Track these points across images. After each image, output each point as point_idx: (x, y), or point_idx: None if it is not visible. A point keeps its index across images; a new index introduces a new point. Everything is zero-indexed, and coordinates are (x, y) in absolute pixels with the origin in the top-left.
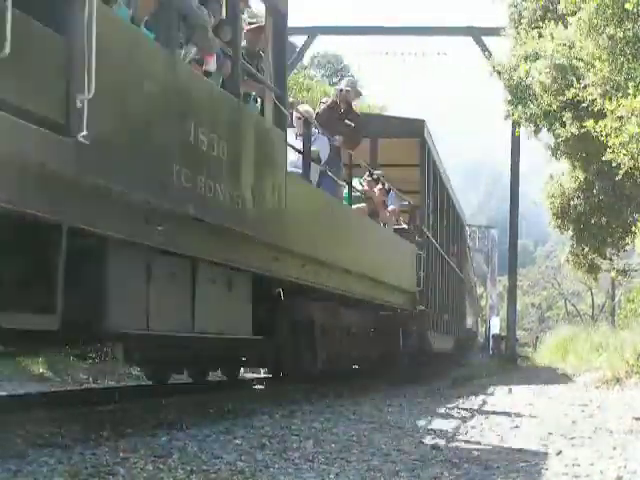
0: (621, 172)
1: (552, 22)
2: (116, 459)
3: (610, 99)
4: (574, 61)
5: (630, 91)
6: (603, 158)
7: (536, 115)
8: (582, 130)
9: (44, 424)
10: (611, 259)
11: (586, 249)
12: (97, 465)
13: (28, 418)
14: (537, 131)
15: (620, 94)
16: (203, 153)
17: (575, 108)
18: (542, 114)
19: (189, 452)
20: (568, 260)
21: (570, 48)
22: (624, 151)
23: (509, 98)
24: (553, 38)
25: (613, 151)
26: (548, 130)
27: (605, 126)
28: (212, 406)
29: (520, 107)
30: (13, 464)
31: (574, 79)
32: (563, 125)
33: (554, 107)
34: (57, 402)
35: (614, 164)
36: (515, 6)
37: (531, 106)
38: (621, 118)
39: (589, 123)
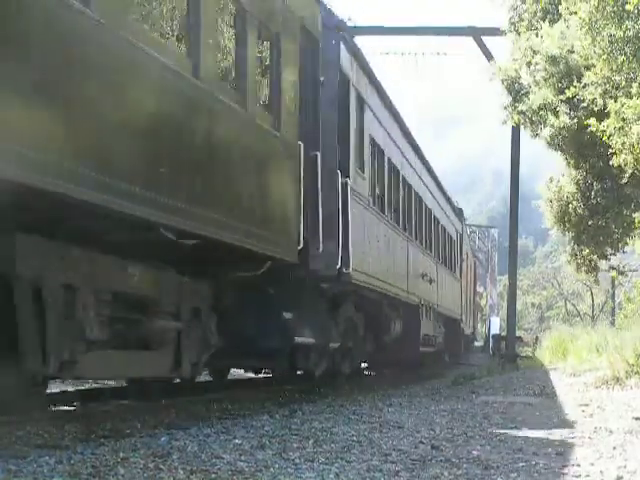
0: (626, 175)
1: (548, 22)
2: (116, 459)
3: (614, 99)
4: (567, 53)
5: (633, 91)
6: (607, 162)
7: (532, 110)
8: (575, 121)
9: (44, 424)
10: (609, 259)
11: (586, 250)
12: (97, 465)
13: (28, 418)
14: (535, 131)
15: (621, 93)
16: None
17: (571, 103)
18: (537, 108)
19: (189, 452)
20: (569, 262)
21: (566, 40)
22: (627, 152)
23: (506, 104)
24: (549, 35)
25: (615, 153)
26: (543, 124)
27: (608, 126)
28: (212, 406)
29: (517, 105)
30: (13, 464)
31: (570, 73)
32: (557, 116)
33: (550, 100)
34: (58, 402)
35: (616, 165)
36: (515, 9)
37: (527, 101)
38: (625, 119)
39: (591, 122)
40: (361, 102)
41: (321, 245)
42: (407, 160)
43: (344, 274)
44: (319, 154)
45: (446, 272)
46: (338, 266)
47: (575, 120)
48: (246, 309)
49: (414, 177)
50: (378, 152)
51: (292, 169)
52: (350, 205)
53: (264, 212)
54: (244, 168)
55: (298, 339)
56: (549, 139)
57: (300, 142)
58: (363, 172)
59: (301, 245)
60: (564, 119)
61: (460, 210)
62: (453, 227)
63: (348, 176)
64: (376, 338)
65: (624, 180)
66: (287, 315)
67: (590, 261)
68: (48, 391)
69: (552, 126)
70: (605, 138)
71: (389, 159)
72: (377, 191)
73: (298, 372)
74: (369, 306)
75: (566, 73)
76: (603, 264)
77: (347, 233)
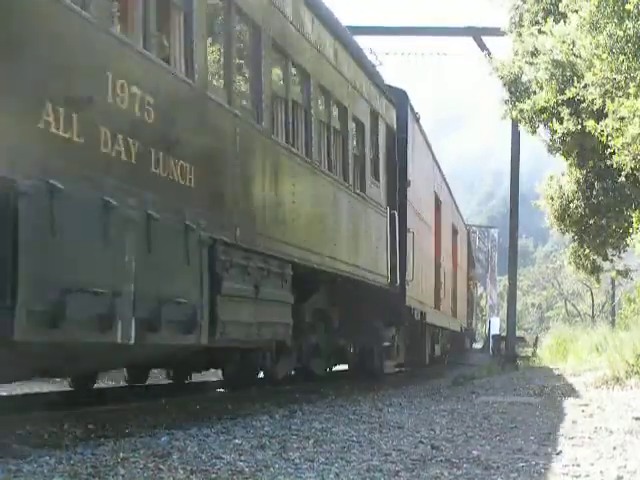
0: (623, 174)
1: (552, 20)
2: (116, 459)
3: (612, 99)
4: (572, 57)
5: (631, 91)
6: (608, 162)
7: (532, 111)
8: (579, 127)
9: (44, 424)
10: (612, 260)
11: (587, 251)
12: (97, 465)
13: (28, 418)
14: (533, 128)
15: (620, 93)
16: None
17: (573, 105)
18: (539, 110)
19: (189, 452)
20: (570, 262)
21: (571, 44)
22: (626, 152)
23: (506, 98)
24: (553, 35)
25: (613, 152)
26: (545, 126)
27: (606, 126)
28: (212, 406)
29: (518, 104)
30: (13, 464)
31: (573, 77)
32: (560, 121)
33: (551, 103)
34: (57, 402)
35: (615, 165)
36: (516, 8)
37: (528, 102)
38: (623, 119)
39: (590, 123)
40: None
41: None
42: None
43: None
44: None
45: (317, 179)
46: None
47: (579, 126)
48: None
49: None
50: None
51: None
52: None
53: None
54: None
55: None
56: (550, 143)
57: None
58: None
59: None
60: (568, 125)
61: (402, 93)
62: (365, 104)
63: None
64: None
65: (621, 179)
66: None
67: (593, 262)
68: (48, 390)
69: (555, 132)
70: (603, 139)
71: None
72: None
73: None
74: None
75: (569, 76)
76: (605, 265)
77: None
